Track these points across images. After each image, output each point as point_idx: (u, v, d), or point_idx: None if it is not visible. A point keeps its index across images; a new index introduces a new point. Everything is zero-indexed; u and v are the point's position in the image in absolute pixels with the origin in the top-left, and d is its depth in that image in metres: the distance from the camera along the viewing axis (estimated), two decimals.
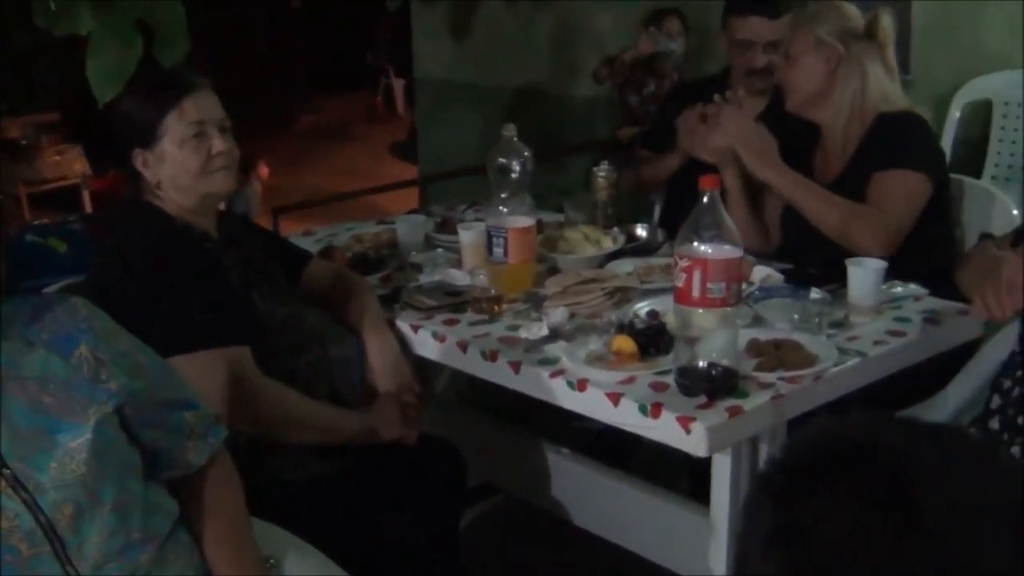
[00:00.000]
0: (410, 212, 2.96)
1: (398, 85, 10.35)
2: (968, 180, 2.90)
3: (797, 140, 2.69)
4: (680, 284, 1.86)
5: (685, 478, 2.61)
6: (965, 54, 4.21)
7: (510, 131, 2.46)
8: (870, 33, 2.60)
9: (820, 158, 2.71)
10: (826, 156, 2.69)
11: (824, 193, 2.54)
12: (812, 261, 2.47)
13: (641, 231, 2.72)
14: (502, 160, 2.44)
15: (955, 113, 4.14)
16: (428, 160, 6.34)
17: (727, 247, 1.85)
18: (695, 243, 1.85)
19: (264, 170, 6.96)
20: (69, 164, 7.69)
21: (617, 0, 5.20)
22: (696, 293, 1.84)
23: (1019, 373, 1.96)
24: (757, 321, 2.20)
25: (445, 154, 5.78)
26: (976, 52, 4.20)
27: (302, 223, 4.12)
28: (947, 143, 4.15)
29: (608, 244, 2.60)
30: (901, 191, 2.50)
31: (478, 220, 2.66)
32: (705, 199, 1.85)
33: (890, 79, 2.62)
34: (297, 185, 7.70)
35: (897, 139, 2.55)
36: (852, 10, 2.63)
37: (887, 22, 2.61)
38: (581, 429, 2.60)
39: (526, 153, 2.45)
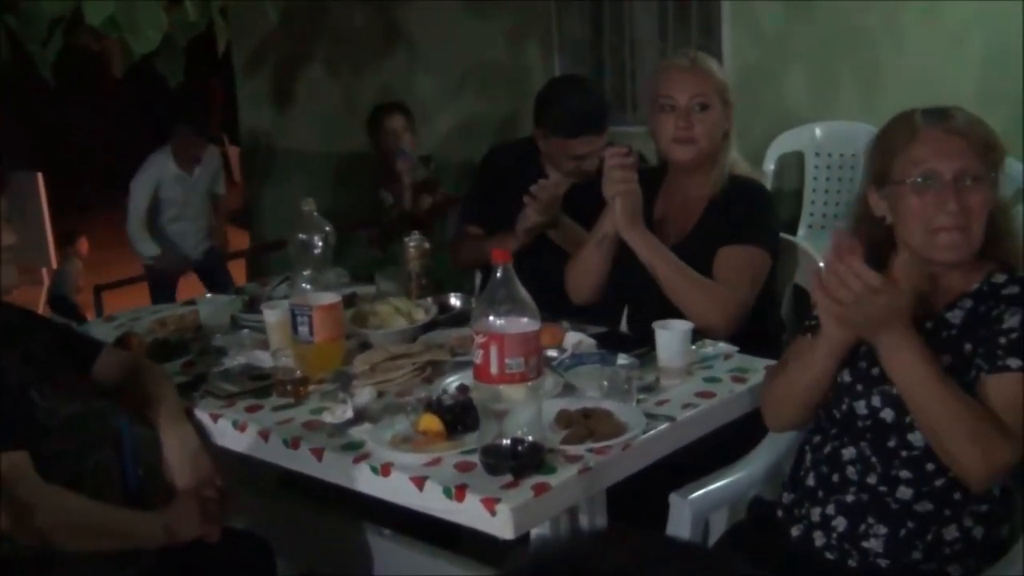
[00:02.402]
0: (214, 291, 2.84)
1: (233, 153, 10.14)
2: (783, 236, 2.93)
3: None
4: (478, 361, 1.81)
5: (515, 552, 2.54)
6: (775, 110, 4.35)
7: (309, 206, 2.39)
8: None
9: (663, 212, 2.64)
10: (670, 211, 2.63)
11: (681, 267, 2.46)
12: (637, 313, 2.44)
13: (455, 300, 2.67)
14: (302, 236, 2.37)
15: (769, 166, 4.26)
16: (261, 230, 6.21)
17: (524, 320, 1.81)
18: (491, 318, 1.80)
19: (84, 246, 6.70)
20: None
21: (440, 66, 5.21)
22: (495, 369, 1.79)
23: (822, 436, 1.97)
24: (568, 389, 2.17)
25: (278, 222, 5.67)
26: (785, 108, 4.35)
27: (131, 300, 3.96)
28: None
29: (420, 316, 2.53)
30: (748, 269, 2.48)
31: (287, 298, 2.57)
32: (499, 273, 1.81)
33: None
34: (124, 260, 7.43)
35: (746, 211, 2.52)
36: None
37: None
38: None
39: (327, 228, 2.38)
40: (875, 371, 1.89)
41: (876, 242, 1.92)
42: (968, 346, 1.83)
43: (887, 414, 1.86)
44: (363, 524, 2.53)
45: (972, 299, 1.87)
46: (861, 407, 1.89)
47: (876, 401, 1.87)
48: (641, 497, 2.10)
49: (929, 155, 1.83)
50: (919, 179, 1.83)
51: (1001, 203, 1.89)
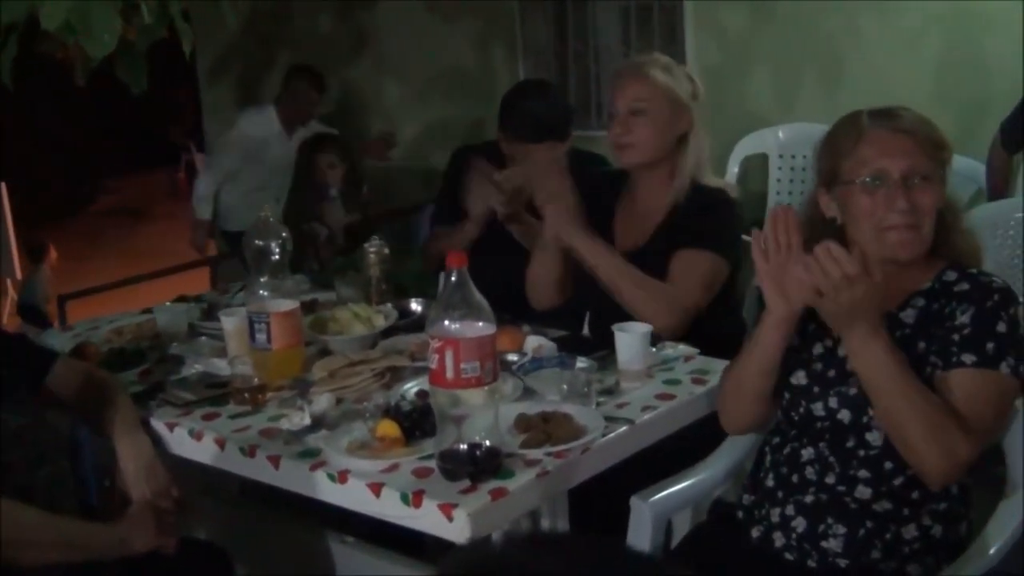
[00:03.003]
0: (176, 299, 2.81)
1: (200, 160, 10.09)
2: (745, 239, 2.93)
3: (598, 198, 2.60)
4: (434, 366, 1.80)
5: (447, 555, 2.53)
6: (738, 113, 4.36)
7: (266, 211, 2.37)
8: (695, 92, 2.55)
9: (624, 219, 2.63)
10: (632, 218, 2.61)
11: (625, 267, 2.45)
12: (599, 317, 2.43)
13: (416, 306, 2.65)
14: (259, 242, 2.34)
15: (733, 168, 4.27)
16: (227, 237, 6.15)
17: (480, 324, 1.80)
18: (446, 322, 1.79)
19: (54, 255, 6.64)
20: None
21: (406, 71, 5.20)
22: (450, 374, 1.78)
23: (782, 438, 1.97)
24: (528, 393, 2.16)
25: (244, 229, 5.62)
26: (748, 111, 4.36)
27: (96, 310, 3.92)
28: None
29: (380, 322, 2.52)
30: (700, 272, 2.47)
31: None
32: (453, 277, 1.79)
33: (706, 143, 2.58)
34: (92, 269, 7.37)
35: (707, 218, 2.50)
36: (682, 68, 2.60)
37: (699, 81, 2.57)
38: None
39: (284, 234, 2.36)
40: (831, 373, 1.89)
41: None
42: (922, 344, 1.84)
43: (844, 415, 1.86)
44: (325, 532, 2.51)
45: (924, 297, 1.88)
46: (818, 409, 1.89)
47: (833, 403, 1.88)
48: (606, 500, 2.10)
49: (877, 155, 1.83)
50: (868, 179, 1.84)
51: (950, 201, 1.89)
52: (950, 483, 1.83)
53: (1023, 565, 1.94)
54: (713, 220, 2.51)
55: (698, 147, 2.55)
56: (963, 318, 1.81)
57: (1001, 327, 1.79)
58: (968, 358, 1.78)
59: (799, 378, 1.93)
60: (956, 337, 1.80)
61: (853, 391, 1.85)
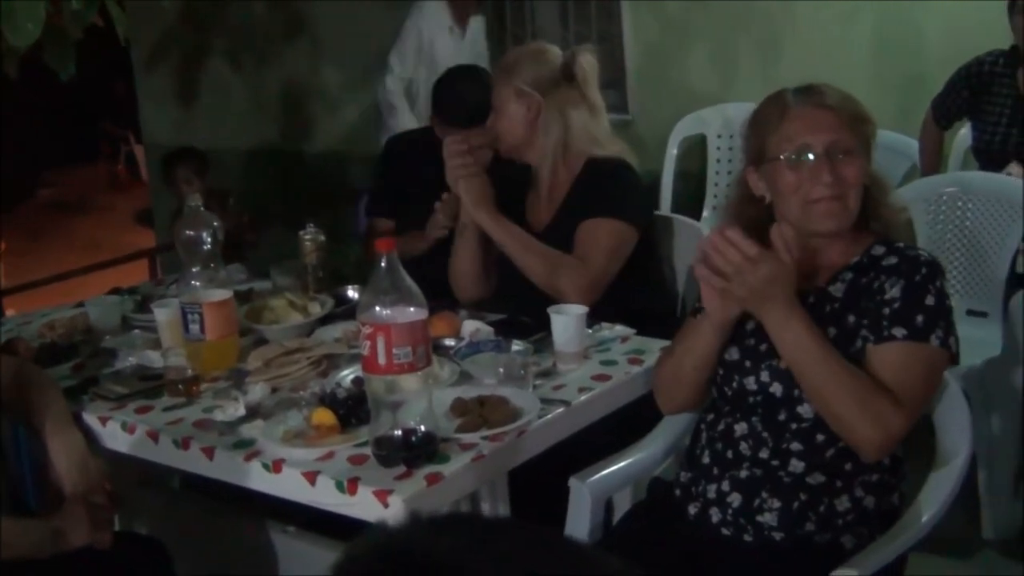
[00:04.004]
0: (110, 292, 2.77)
1: (139, 151, 9.95)
2: (677, 218, 2.95)
3: (511, 186, 2.67)
4: (366, 352, 1.79)
5: (357, 538, 2.52)
6: (678, 92, 4.37)
7: (195, 201, 2.34)
8: (569, 75, 2.59)
9: (533, 203, 2.70)
10: (539, 201, 2.68)
11: (530, 242, 2.53)
12: (530, 305, 2.45)
13: (353, 293, 2.63)
14: (190, 233, 2.32)
15: (672, 150, 4.28)
16: (165, 228, 6.09)
17: (411, 310, 1.79)
18: (377, 308, 1.78)
19: (3, 247, 6.55)
20: None
21: (344, 56, 5.16)
22: (382, 360, 1.77)
23: (715, 415, 1.98)
24: (465, 377, 2.16)
25: None
26: (688, 90, 4.37)
27: (35, 304, 3.86)
28: (668, 179, 4.28)
29: (316, 310, 2.50)
30: (606, 241, 2.50)
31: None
32: (383, 262, 1.78)
33: (595, 121, 2.62)
34: (32, 263, 7.26)
35: (604, 187, 2.56)
36: (551, 54, 2.63)
37: (587, 61, 2.59)
38: None
39: (215, 223, 2.34)
40: (763, 347, 1.91)
41: (758, 222, 1.94)
42: (851, 318, 1.86)
43: (776, 388, 1.88)
44: (266, 522, 2.49)
45: (853, 272, 1.90)
46: (751, 383, 1.91)
47: (765, 376, 1.89)
48: (547, 481, 2.10)
49: (801, 130, 1.86)
50: (793, 154, 1.86)
51: (877, 176, 1.92)
52: (884, 455, 1.85)
53: (954, 534, 1.97)
54: (611, 187, 2.56)
55: (582, 125, 2.59)
56: (893, 291, 1.83)
57: (929, 300, 1.82)
58: (899, 331, 1.80)
59: (732, 353, 1.94)
60: (887, 311, 1.82)
61: (784, 364, 1.87)
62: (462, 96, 3.00)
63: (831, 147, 1.84)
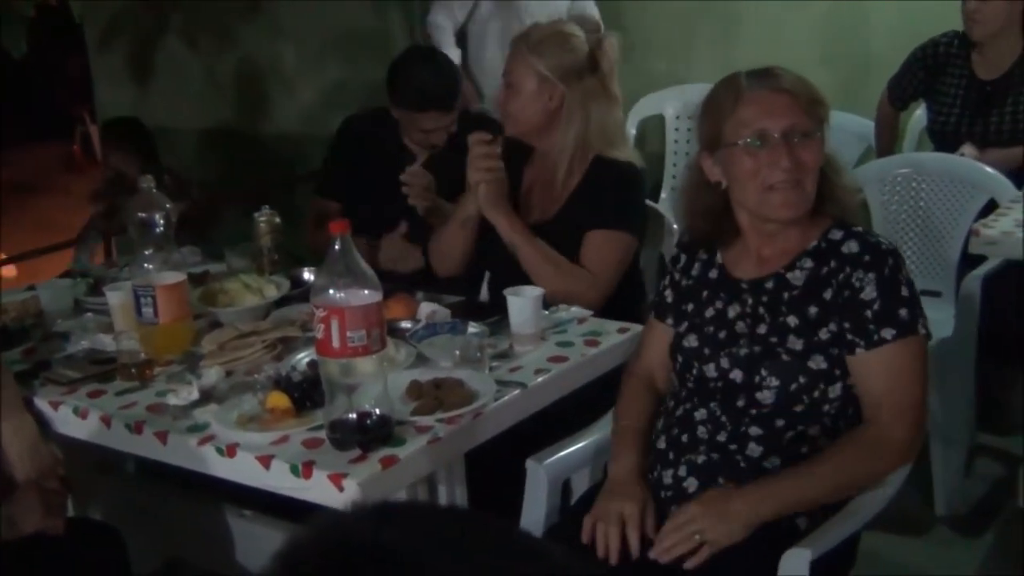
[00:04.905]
0: (62, 275, 2.73)
1: (95, 131, 9.82)
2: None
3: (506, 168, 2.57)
4: (320, 335, 1.77)
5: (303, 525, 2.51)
6: (638, 72, 4.36)
7: (148, 183, 2.31)
8: (593, 65, 2.50)
9: (540, 191, 2.62)
10: (547, 190, 2.60)
11: (543, 249, 2.48)
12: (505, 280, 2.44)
13: (308, 275, 2.61)
14: (142, 215, 2.29)
15: (631, 130, 4.27)
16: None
17: (365, 292, 1.78)
18: (331, 291, 1.77)
19: None
20: None
21: (302, 36, 5.11)
22: (336, 343, 1.76)
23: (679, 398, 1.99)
24: (421, 360, 2.15)
25: None
26: (646, 71, 4.37)
27: None
28: None
29: (271, 292, 2.48)
30: (616, 255, 2.50)
31: None
32: (336, 245, 1.77)
33: (612, 115, 2.56)
34: None
35: (617, 195, 2.51)
36: (577, 41, 2.51)
37: (612, 47, 2.51)
38: None
39: (168, 205, 2.31)
40: (722, 335, 1.92)
41: (713, 208, 1.94)
42: (813, 309, 1.86)
43: (736, 375, 1.89)
44: (223, 506, 2.48)
45: (811, 258, 1.90)
46: (711, 370, 1.92)
47: (725, 363, 1.90)
48: (505, 464, 2.10)
49: (758, 115, 1.85)
50: (750, 139, 1.85)
51: (831, 157, 1.92)
52: (909, 461, 1.88)
53: (907, 512, 1.99)
54: (624, 196, 2.54)
55: (600, 120, 2.52)
56: (868, 291, 1.83)
57: (904, 291, 1.83)
58: (887, 332, 1.81)
59: (691, 341, 1.95)
60: (869, 314, 1.82)
61: (744, 351, 1.87)
62: (416, 80, 2.97)
63: (789, 131, 1.84)
